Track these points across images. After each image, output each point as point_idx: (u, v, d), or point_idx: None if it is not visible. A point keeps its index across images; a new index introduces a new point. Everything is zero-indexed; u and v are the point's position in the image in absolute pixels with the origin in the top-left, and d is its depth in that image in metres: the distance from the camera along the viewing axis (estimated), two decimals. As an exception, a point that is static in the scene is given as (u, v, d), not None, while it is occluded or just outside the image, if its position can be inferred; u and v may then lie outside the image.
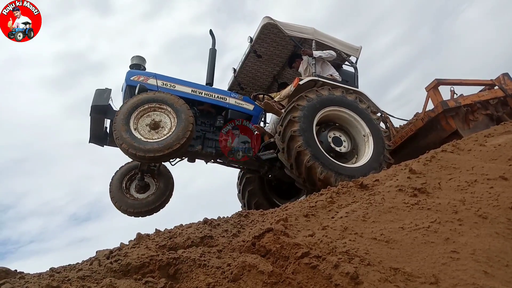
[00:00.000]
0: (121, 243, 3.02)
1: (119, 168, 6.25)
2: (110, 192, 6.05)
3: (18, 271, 2.80)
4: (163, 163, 5.91)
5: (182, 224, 3.31)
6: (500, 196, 2.87)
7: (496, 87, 6.78)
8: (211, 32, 6.58)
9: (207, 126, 5.92)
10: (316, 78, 5.82)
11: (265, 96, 6.53)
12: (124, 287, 2.18)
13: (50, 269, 2.74)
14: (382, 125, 6.39)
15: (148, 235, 3.10)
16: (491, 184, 3.11)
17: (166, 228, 3.27)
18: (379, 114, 6.76)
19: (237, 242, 2.74)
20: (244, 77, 7.29)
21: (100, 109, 5.23)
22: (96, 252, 2.94)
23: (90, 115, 5.28)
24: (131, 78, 5.57)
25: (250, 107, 6.18)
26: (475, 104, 6.41)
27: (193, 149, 5.61)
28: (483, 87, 6.95)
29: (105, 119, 5.51)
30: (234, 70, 7.21)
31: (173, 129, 4.93)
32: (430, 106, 6.62)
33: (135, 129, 4.88)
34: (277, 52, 6.77)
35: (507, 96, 6.63)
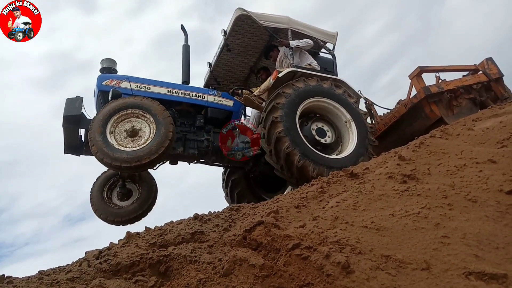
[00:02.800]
0: (111, 242, 2.98)
1: (96, 179, 6.02)
2: (92, 205, 5.78)
3: (7, 275, 2.76)
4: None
5: (172, 221, 3.28)
6: (489, 179, 2.87)
7: (480, 72, 6.79)
8: (182, 27, 6.40)
9: (187, 127, 5.75)
10: (295, 69, 5.72)
11: (243, 90, 6.41)
12: (114, 287, 2.15)
13: (39, 272, 2.70)
14: (363, 108, 6.39)
15: (138, 233, 3.06)
16: (480, 168, 3.11)
17: (156, 226, 3.24)
18: (363, 101, 6.76)
19: (228, 237, 2.71)
20: (220, 71, 7.13)
21: (72, 119, 5.02)
22: (85, 252, 2.90)
23: (62, 126, 5.07)
24: (103, 83, 5.36)
25: (230, 103, 6.01)
26: (458, 89, 6.40)
27: (174, 151, 5.47)
28: (467, 72, 6.96)
29: (79, 129, 5.32)
30: (210, 64, 7.01)
31: (149, 141, 4.72)
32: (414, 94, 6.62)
33: (111, 133, 4.69)
34: (252, 43, 6.63)
35: (490, 81, 6.64)
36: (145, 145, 4.67)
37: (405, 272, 2.02)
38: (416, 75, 6.43)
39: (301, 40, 6.01)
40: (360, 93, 6.77)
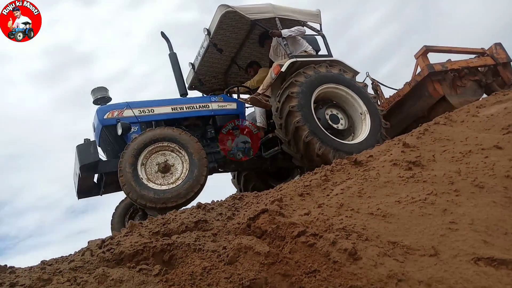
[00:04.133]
0: (114, 232, 2.95)
1: (116, 209, 5.79)
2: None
3: (9, 266, 2.73)
4: None
5: (175, 210, 3.25)
6: (496, 165, 2.84)
7: (487, 55, 6.68)
8: (163, 34, 5.97)
9: (200, 141, 5.38)
10: (294, 59, 5.49)
11: (239, 88, 6.13)
12: (117, 275, 2.12)
13: (41, 262, 2.67)
14: (370, 91, 6.24)
15: (141, 223, 3.03)
16: (485, 154, 3.08)
17: (159, 215, 3.21)
18: (369, 81, 6.65)
19: (232, 225, 2.68)
20: (202, 69, 6.75)
21: (90, 166, 4.70)
22: (88, 242, 2.87)
23: (78, 175, 4.76)
24: (105, 117, 5.05)
25: (233, 106, 5.76)
26: (462, 70, 6.31)
27: None
28: (474, 55, 6.83)
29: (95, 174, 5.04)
30: (193, 65, 6.63)
31: (179, 181, 4.52)
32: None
33: (142, 165, 4.52)
34: (234, 35, 6.31)
35: (497, 65, 6.54)
36: (174, 185, 4.50)
37: (413, 258, 2.00)
38: (422, 54, 6.31)
39: (292, 29, 5.78)
40: (368, 74, 6.74)
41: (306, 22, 6.05)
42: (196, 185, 4.47)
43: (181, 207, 4.31)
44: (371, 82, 6.82)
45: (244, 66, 6.83)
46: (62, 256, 2.89)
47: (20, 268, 2.63)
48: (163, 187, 4.48)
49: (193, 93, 6.66)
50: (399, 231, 2.23)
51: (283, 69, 5.35)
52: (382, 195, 2.61)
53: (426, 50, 6.35)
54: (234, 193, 3.60)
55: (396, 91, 6.70)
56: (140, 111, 5.21)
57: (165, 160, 4.64)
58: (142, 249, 2.45)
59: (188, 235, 2.56)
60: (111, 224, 5.53)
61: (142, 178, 4.44)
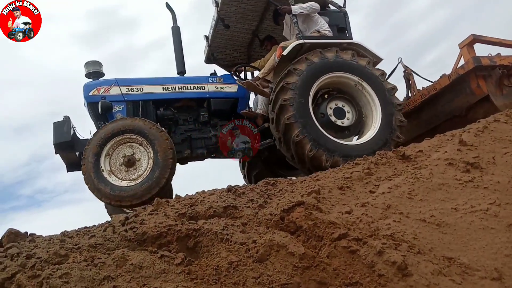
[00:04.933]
0: (138, 208, 2.81)
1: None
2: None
3: (30, 233, 2.66)
4: None
5: (204, 191, 3.07)
6: None
7: None
8: (167, 5, 5.54)
9: (191, 125, 5.20)
10: (301, 41, 4.85)
11: (246, 68, 5.67)
12: (137, 260, 1.96)
13: (62, 233, 2.57)
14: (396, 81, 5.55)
15: (167, 201, 2.87)
16: (558, 162, 2.70)
17: (187, 194, 3.04)
18: (402, 69, 5.97)
19: (264, 215, 2.46)
20: (220, 41, 6.23)
21: (64, 145, 4.58)
22: (112, 216, 2.74)
23: (55, 152, 4.65)
24: (90, 93, 4.88)
25: (234, 88, 5.26)
26: None
27: (181, 155, 5.00)
28: None
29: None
30: (207, 38, 6.14)
31: (139, 181, 4.30)
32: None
33: (107, 155, 4.33)
34: (249, 7, 5.64)
35: None
36: (134, 183, 4.30)
37: (472, 280, 1.72)
38: (468, 44, 5.46)
39: (304, 5, 5.06)
40: (400, 60, 6.04)
41: None
42: (155, 187, 4.23)
43: (137, 207, 3.98)
44: (404, 70, 6.13)
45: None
46: (85, 227, 2.79)
47: (40, 237, 2.54)
48: (122, 183, 4.29)
49: (202, 71, 6.12)
50: (456, 244, 1.94)
51: (284, 53, 4.77)
52: (436, 200, 2.30)
53: (474, 39, 5.50)
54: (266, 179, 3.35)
55: (432, 83, 5.85)
56: (128, 89, 4.98)
57: (132, 153, 4.43)
58: (166, 232, 2.29)
59: (216, 222, 2.36)
60: (106, 208, 5.17)
61: (103, 170, 4.27)
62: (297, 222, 2.21)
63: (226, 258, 1.98)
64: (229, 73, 5.56)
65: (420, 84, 6.15)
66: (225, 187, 3.00)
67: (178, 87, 5.16)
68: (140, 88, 5.03)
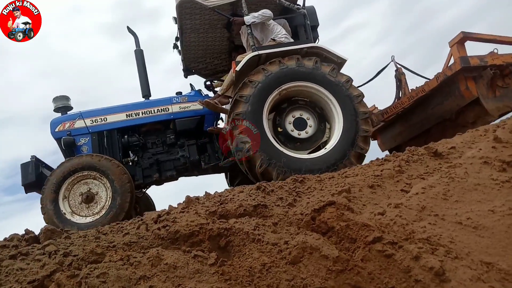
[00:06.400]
0: (170, 205, 2.85)
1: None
2: None
3: (64, 230, 2.73)
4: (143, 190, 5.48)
5: (233, 188, 3.08)
6: None
7: None
8: (129, 29, 5.55)
9: (159, 147, 5.21)
10: (256, 52, 4.61)
11: (213, 82, 5.62)
12: (171, 259, 1.99)
13: (97, 229, 2.63)
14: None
15: (197, 198, 2.91)
16: None
17: (216, 192, 3.06)
18: (393, 68, 5.65)
19: (294, 214, 2.46)
20: (196, 52, 6.04)
21: (32, 184, 4.66)
22: (144, 214, 2.79)
23: (25, 192, 4.74)
24: (56, 130, 4.97)
25: (199, 106, 5.14)
26: (507, 67, 4.96)
27: (150, 179, 5.04)
28: None
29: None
30: (178, 50, 5.91)
31: (103, 211, 4.40)
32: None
33: (64, 198, 4.41)
34: (215, 16, 5.37)
35: None
36: (98, 216, 4.38)
37: (513, 287, 1.68)
38: (458, 42, 5.04)
39: (256, 14, 4.83)
40: (393, 59, 5.80)
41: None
42: (120, 213, 4.31)
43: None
44: (395, 69, 5.86)
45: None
46: (117, 224, 2.86)
47: (75, 233, 2.61)
48: (88, 219, 4.37)
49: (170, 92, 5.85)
50: (494, 249, 1.89)
51: (237, 68, 4.58)
52: (472, 201, 2.24)
53: (464, 37, 5.06)
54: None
55: (429, 80, 5.45)
56: (93, 120, 5.05)
57: (88, 189, 4.52)
58: (198, 231, 2.32)
59: (247, 221, 2.37)
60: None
61: (65, 213, 4.35)
62: (328, 223, 2.19)
63: (258, 259, 1.99)
64: (193, 92, 5.47)
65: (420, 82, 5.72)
66: (254, 185, 3.01)
67: (142, 112, 5.18)
68: (104, 118, 5.10)
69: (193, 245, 2.26)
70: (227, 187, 5.87)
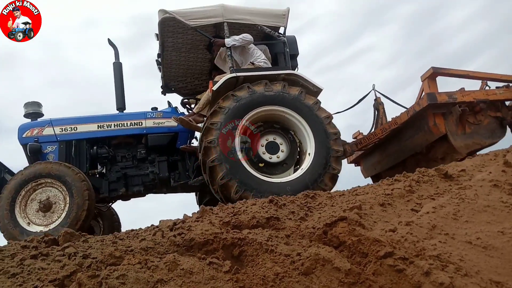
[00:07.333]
0: (185, 214, 2.93)
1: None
2: None
3: (83, 234, 2.82)
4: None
5: (246, 201, 3.16)
6: None
7: None
8: (110, 42, 5.57)
9: (128, 161, 5.14)
10: (234, 74, 4.66)
11: (189, 100, 5.61)
12: (187, 265, 2.05)
13: (113, 234, 2.71)
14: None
15: (211, 209, 2.98)
16: None
17: (229, 203, 3.13)
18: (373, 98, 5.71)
19: (307, 228, 2.52)
20: (176, 71, 6.10)
21: None
22: (160, 221, 2.87)
23: None
24: (24, 135, 4.90)
25: (174, 123, 5.15)
26: (477, 104, 4.94)
27: (116, 193, 4.97)
28: (504, 84, 5.30)
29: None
30: (158, 67, 5.93)
31: (61, 219, 4.27)
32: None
33: (21, 207, 4.31)
34: (198, 37, 5.46)
35: None
36: (56, 224, 4.27)
37: (521, 306, 1.72)
38: (428, 77, 5.03)
39: (237, 37, 4.95)
40: (373, 87, 5.82)
41: (265, 25, 5.07)
42: (77, 223, 4.21)
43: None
44: (374, 98, 5.85)
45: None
46: (133, 230, 2.94)
47: (92, 237, 2.69)
48: (42, 228, 4.25)
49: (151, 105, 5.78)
50: (503, 268, 1.93)
51: (214, 88, 4.62)
52: (482, 222, 2.30)
53: (434, 73, 5.05)
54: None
55: (406, 109, 5.37)
56: (62, 129, 5.00)
57: (47, 197, 4.41)
58: (212, 239, 2.39)
59: (260, 232, 2.44)
60: None
61: (21, 223, 4.26)
62: (340, 237, 2.25)
63: (271, 268, 2.05)
64: (169, 108, 5.49)
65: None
66: (267, 198, 3.08)
67: (114, 124, 5.15)
68: (74, 128, 5.05)
69: (208, 253, 2.33)
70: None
